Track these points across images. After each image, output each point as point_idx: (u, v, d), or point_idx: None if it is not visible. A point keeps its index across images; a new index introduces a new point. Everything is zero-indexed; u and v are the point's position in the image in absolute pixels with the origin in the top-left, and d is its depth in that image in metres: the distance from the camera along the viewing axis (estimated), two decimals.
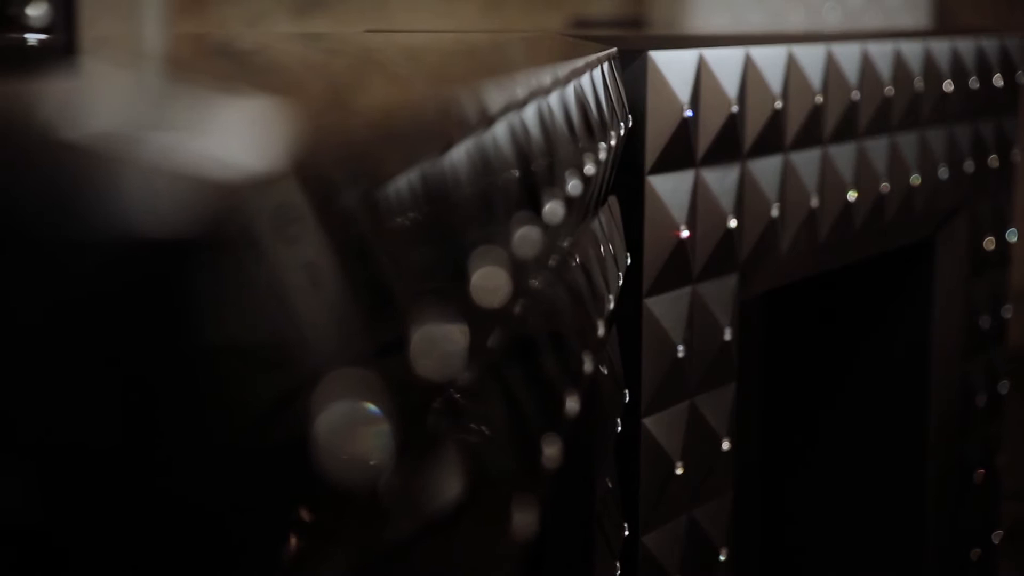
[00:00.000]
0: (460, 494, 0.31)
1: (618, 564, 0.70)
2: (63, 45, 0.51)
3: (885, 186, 0.99)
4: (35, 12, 0.63)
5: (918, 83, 1.03)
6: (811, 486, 1.18)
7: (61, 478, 0.19)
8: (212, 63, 0.41)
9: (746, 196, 0.83)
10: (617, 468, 0.72)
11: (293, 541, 0.21)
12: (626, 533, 0.75)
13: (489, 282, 0.30)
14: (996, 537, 1.24)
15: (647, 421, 0.77)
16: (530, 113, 0.40)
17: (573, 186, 0.44)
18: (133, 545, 0.19)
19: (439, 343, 0.25)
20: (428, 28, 1.50)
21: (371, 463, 0.22)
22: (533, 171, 0.38)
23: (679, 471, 0.79)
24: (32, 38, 0.51)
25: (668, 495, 0.79)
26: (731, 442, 0.83)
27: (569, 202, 0.43)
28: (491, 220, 0.32)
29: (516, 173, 0.35)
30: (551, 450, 0.39)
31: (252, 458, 0.20)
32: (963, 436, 1.17)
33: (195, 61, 0.42)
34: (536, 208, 0.38)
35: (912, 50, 1.02)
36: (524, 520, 0.38)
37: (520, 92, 0.40)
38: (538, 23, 1.56)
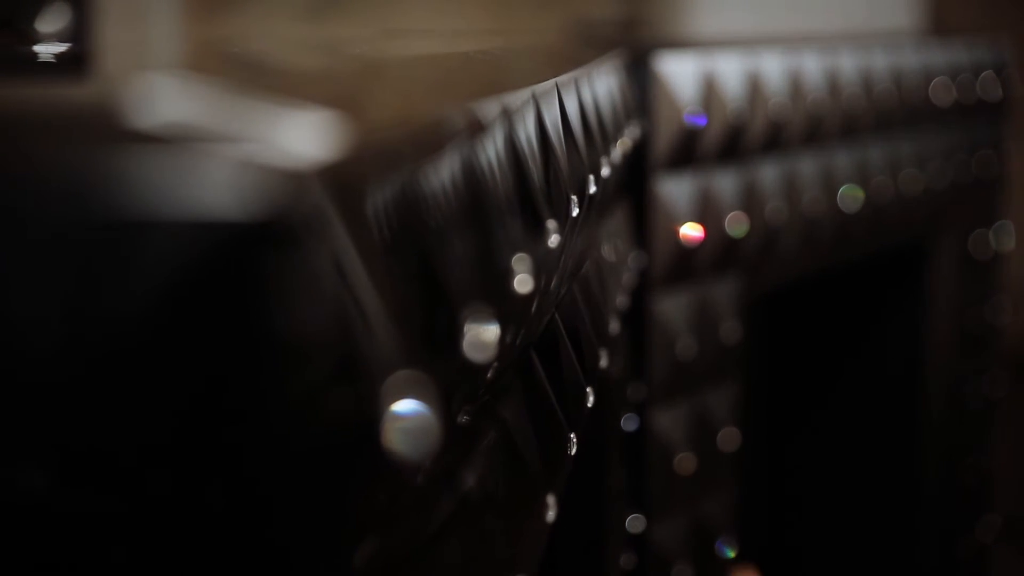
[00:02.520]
0: (493, 482, 0.32)
1: (626, 555, 0.71)
2: (79, 55, 0.51)
3: (883, 187, 1.01)
4: (46, 26, 0.62)
5: (913, 85, 1.04)
6: (806, 482, 1.19)
7: (138, 465, 0.20)
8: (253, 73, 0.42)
9: (750, 197, 0.85)
10: (626, 463, 0.73)
11: (352, 523, 0.22)
12: (637, 526, 0.76)
13: (519, 280, 0.32)
14: (989, 537, 1.24)
15: (654, 417, 0.78)
16: (551, 117, 0.41)
17: (590, 188, 0.45)
18: (194, 535, 0.20)
19: (485, 340, 0.26)
20: (443, 29, 1.51)
21: (422, 455, 0.24)
22: (555, 174, 0.39)
23: (685, 466, 0.80)
24: (44, 50, 0.51)
25: (674, 489, 0.80)
26: (736, 438, 0.84)
27: (587, 203, 0.45)
28: (519, 220, 0.34)
29: (540, 176, 0.37)
30: (571, 442, 0.41)
31: (315, 448, 0.21)
32: (958, 436, 1.18)
33: (231, 71, 0.43)
34: (557, 209, 0.39)
35: (906, 52, 1.04)
36: (546, 507, 0.39)
37: (539, 97, 0.41)
38: (545, 23, 1.57)
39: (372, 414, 0.21)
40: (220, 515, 0.20)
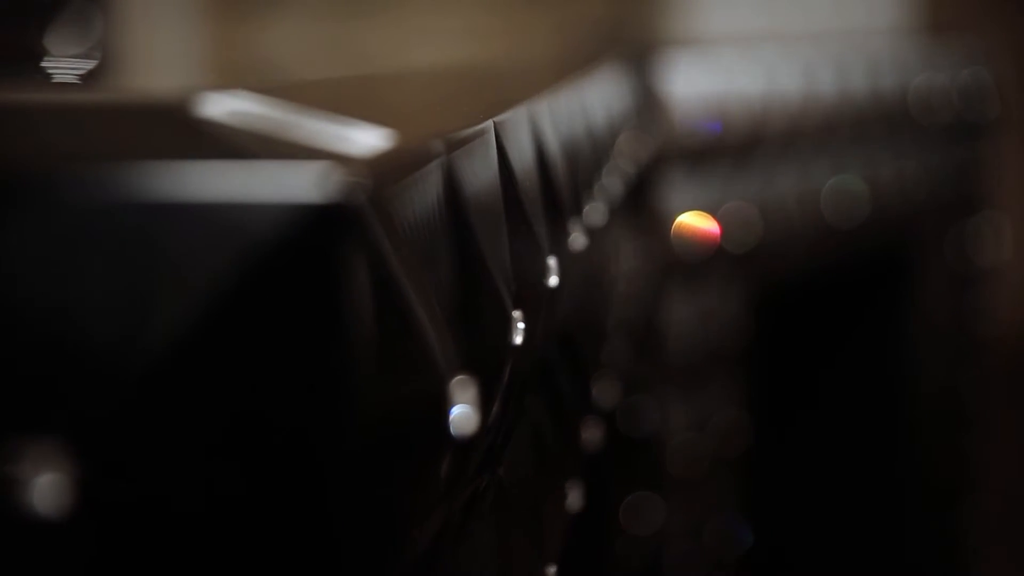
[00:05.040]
0: (520, 471, 0.34)
1: (629, 550, 0.73)
2: (105, 68, 0.52)
3: (884, 187, 1.02)
4: (74, 41, 0.62)
5: (905, 83, 1.05)
6: (800, 484, 1.20)
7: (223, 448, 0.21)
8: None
9: (756, 196, 0.86)
10: (628, 460, 0.75)
11: (408, 509, 0.24)
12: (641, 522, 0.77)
13: (548, 278, 0.33)
14: (978, 541, 1.25)
15: (657, 415, 0.79)
16: (574, 121, 0.43)
17: (607, 188, 0.47)
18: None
19: (520, 332, 0.28)
20: (456, 28, 1.52)
21: (467, 438, 0.25)
22: (578, 177, 0.41)
23: (687, 464, 0.82)
24: (59, 67, 0.51)
25: (676, 487, 0.81)
26: (738, 438, 0.86)
27: (602, 206, 0.46)
28: (546, 221, 0.35)
29: (566, 179, 0.38)
30: (593, 432, 0.42)
31: (377, 435, 0.22)
32: (950, 437, 1.19)
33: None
34: (579, 212, 0.41)
35: (897, 49, 1.05)
36: (571, 491, 0.41)
37: (554, 104, 0.43)
38: (553, 22, 1.58)
39: (431, 403, 0.23)
40: (283, 499, 0.21)
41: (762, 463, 1.19)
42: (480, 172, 0.30)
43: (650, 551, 0.80)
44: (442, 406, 0.23)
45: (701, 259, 0.82)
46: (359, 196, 0.21)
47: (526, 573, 0.35)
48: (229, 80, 0.26)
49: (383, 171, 0.23)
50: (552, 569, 0.36)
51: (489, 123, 0.33)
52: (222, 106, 0.23)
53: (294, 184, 0.20)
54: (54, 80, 0.35)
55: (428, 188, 0.26)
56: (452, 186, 0.28)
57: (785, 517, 1.21)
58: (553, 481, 0.40)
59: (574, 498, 0.42)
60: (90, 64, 0.49)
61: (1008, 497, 1.45)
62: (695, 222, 0.79)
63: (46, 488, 0.20)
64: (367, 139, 0.24)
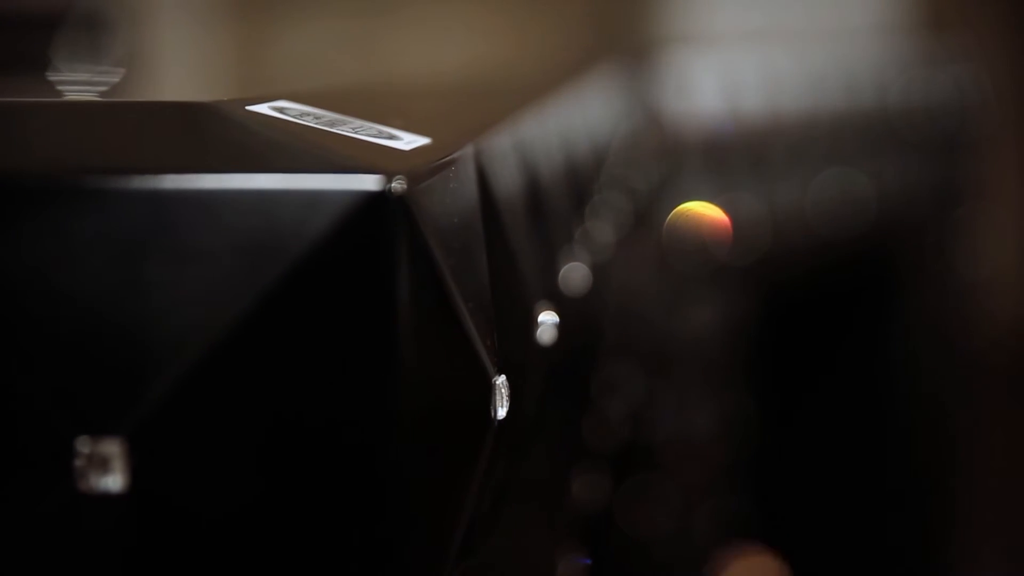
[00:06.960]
0: (539, 458, 0.35)
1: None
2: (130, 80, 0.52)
3: (882, 189, 1.03)
4: (63, 60, 0.62)
5: (900, 84, 1.06)
6: (800, 485, 1.20)
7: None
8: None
9: (761, 197, 0.87)
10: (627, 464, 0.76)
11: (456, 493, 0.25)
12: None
13: (573, 278, 0.35)
14: (977, 543, 1.25)
15: (654, 417, 0.80)
16: (583, 125, 0.44)
17: (613, 190, 0.48)
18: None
19: (550, 332, 0.29)
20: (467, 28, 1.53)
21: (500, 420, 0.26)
22: (587, 179, 0.42)
23: (690, 464, 0.83)
24: (100, 78, 0.52)
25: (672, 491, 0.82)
26: (734, 444, 0.87)
27: (609, 206, 0.47)
28: (565, 221, 0.37)
29: (578, 182, 0.40)
30: (596, 432, 0.44)
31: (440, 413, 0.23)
32: (947, 443, 1.20)
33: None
34: (588, 211, 0.42)
35: (893, 49, 1.06)
36: (578, 487, 0.42)
37: (568, 106, 0.44)
38: (559, 22, 1.58)
39: (475, 390, 0.24)
40: (338, 483, 0.22)
41: (763, 465, 1.19)
42: (505, 175, 0.32)
43: (651, 549, 0.81)
44: (486, 394, 0.24)
45: (710, 255, 0.82)
46: (404, 191, 0.22)
47: (542, 562, 0.36)
48: (273, 89, 0.27)
49: (422, 171, 0.24)
50: (564, 559, 0.37)
51: (511, 128, 0.34)
52: (275, 114, 0.25)
53: (345, 184, 0.22)
54: (115, 92, 0.36)
55: (462, 188, 0.27)
56: (483, 187, 0.29)
57: (785, 518, 1.21)
58: (564, 477, 0.41)
59: (581, 494, 0.43)
60: (122, 74, 0.50)
61: (1008, 498, 1.45)
62: (705, 212, 0.79)
63: (112, 479, 0.22)
64: (407, 143, 0.26)
